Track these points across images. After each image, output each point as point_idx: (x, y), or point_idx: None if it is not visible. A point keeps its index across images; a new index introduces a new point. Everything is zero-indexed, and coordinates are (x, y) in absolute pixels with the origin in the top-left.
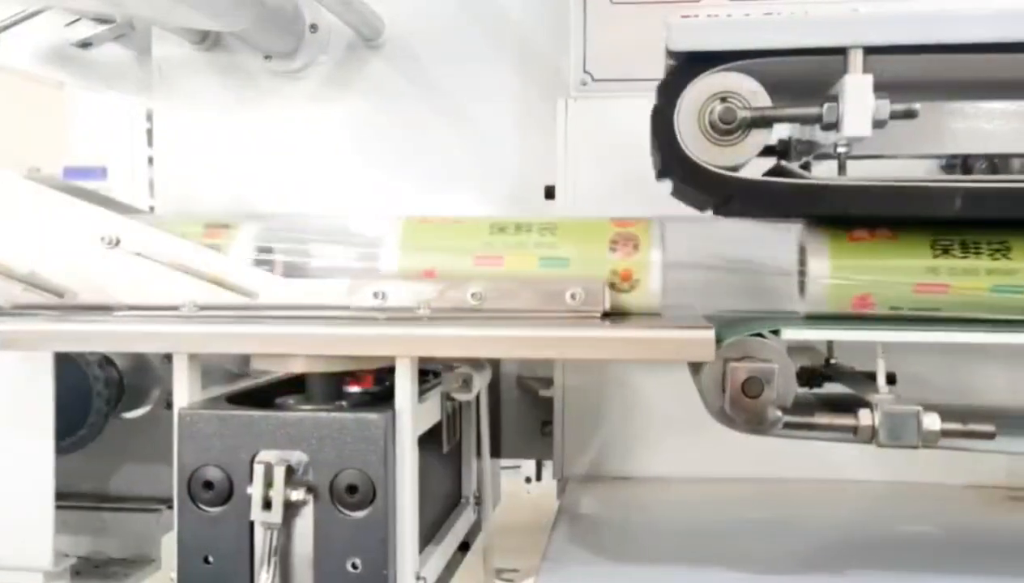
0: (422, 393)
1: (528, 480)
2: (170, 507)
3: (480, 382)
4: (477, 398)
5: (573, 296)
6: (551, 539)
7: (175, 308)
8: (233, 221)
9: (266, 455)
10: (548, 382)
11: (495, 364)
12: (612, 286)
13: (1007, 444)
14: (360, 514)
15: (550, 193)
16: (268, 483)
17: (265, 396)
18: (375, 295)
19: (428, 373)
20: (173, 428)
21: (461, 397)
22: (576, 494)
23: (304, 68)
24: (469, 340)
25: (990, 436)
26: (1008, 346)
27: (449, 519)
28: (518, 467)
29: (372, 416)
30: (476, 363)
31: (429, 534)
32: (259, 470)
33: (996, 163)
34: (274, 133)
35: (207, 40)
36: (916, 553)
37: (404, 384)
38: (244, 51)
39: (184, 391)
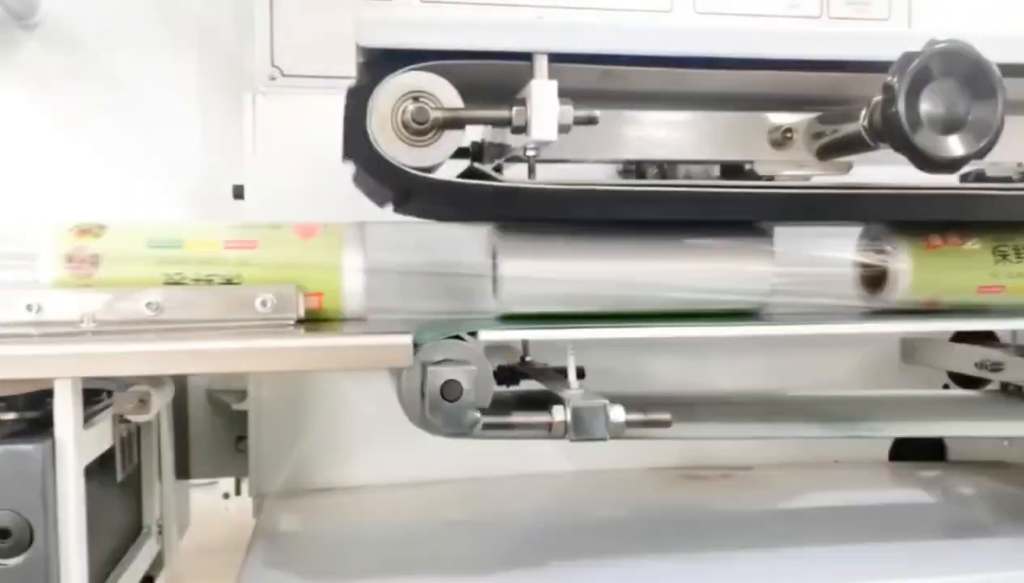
0: (89, 417)
1: (226, 496)
2: None
3: (160, 400)
4: (158, 417)
5: (264, 303)
6: (246, 561)
7: None
8: None
9: None
10: (242, 394)
11: (180, 379)
12: None
13: (681, 430)
14: (13, 562)
15: (239, 193)
16: None
17: None
18: (28, 307)
19: (101, 393)
20: None
21: (137, 418)
22: (274, 510)
23: None
24: (142, 356)
25: (667, 424)
26: (678, 339)
27: (128, 553)
28: (215, 483)
29: (25, 448)
30: (154, 380)
31: (103, 574)
32: None
33: (665, 169)
34: None
35: None
36: (607, 535)
37: (65, 409)
38: None
39: None
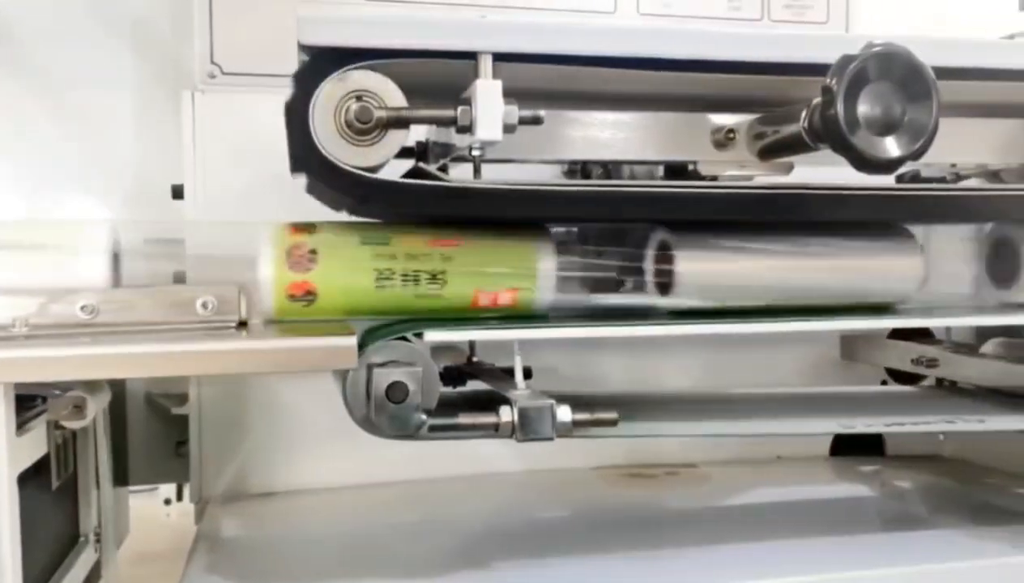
0: (23, 424)
1: (168, 502)
2: None
3: (96, 406)
4: (94, 423)
5: (205, 305)
6: (187, 568)
7: None
8: None
9: None
10: (182, 398)
11: (117, 384)
12: None
13: (627, 428)
14: None
15: (178, 193)
16: None
17: None
18: None
19: (35, 398)
20: None
21: (73, 424)
22: (216, 516)
23: None
24: (77, 360)
25: (613, 422)
26: (623, 338)
27: (65, 563)
28: (155, 489)
29: None
30: (90, 385)
31: None
32: None
33: (610, 170)
34: None
35: None
36: (554, 535)
37: None
38: None
39: None
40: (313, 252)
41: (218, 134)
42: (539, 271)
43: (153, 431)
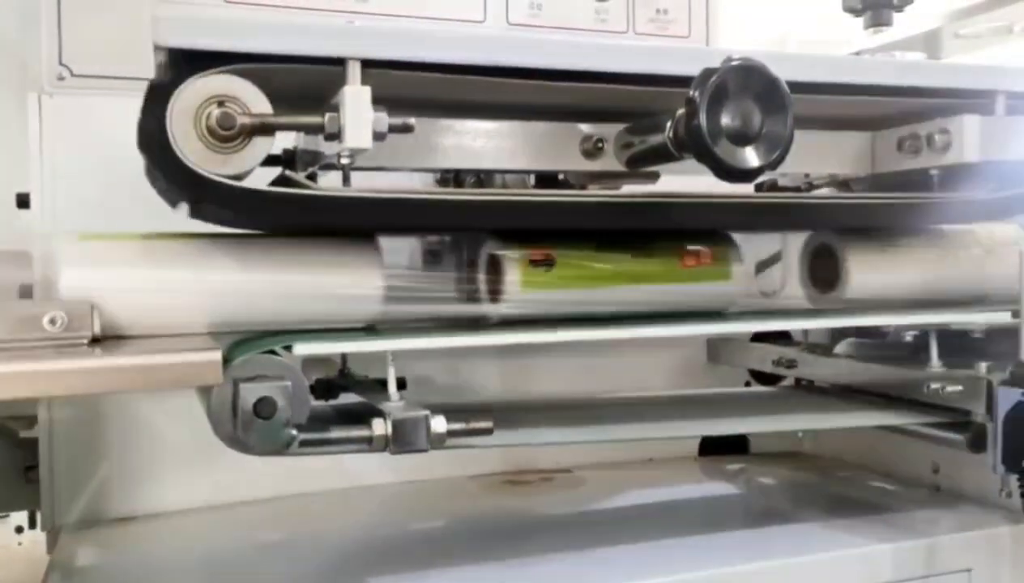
0: None
1: (20, 530)
2: None
3: None
4: None
5: (53, 321)
6: None
7: None
8: None
9: None
10: (31, 420)
11: None
12: None
13: (502, 437)
14: None
15: (24, 202)
16: None
17: None
18: None
19: None
20: None
21: None
22: (71, 544)
23: None
24: None
25: (488, 432)
26: (485, 347)
27: None
28: (7, 516)
29: None
30: None
31: None
32: None
33: (483, 178)
34: None
35: None
36: (427, 546)
37: None
38: None
39: None
40: None
41: (68, 139)
42: None
43: None
